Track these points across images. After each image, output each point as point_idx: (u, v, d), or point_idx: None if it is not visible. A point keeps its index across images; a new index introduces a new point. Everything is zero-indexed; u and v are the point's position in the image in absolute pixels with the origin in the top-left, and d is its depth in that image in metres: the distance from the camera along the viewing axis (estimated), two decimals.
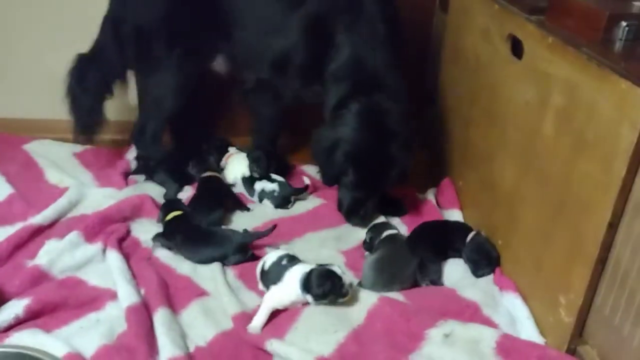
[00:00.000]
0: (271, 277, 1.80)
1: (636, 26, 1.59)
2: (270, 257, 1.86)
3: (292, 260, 1.84)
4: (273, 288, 1.78)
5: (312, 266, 1.79)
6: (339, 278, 1.74)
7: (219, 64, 2.47)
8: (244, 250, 1.99)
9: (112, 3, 2.33)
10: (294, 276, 1.76)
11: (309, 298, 1.75)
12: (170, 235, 2.02)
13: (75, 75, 2.37)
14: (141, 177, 2.45)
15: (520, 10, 1.93)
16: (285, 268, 1.80)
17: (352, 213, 2.24)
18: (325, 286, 1.72)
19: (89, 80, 2.37)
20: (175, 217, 2.06)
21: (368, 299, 1.78)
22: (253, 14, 2.30)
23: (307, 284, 1.74)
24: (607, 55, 1.52)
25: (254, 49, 2.34)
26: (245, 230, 2.09)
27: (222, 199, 2.28)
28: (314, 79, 2.25)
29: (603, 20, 1.60)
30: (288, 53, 2.26)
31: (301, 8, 2.22)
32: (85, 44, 2.56)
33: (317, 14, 2.21)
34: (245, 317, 1.73)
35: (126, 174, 2.45)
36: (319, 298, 1.74)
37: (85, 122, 2.41)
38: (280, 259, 1.84)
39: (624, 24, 1.58)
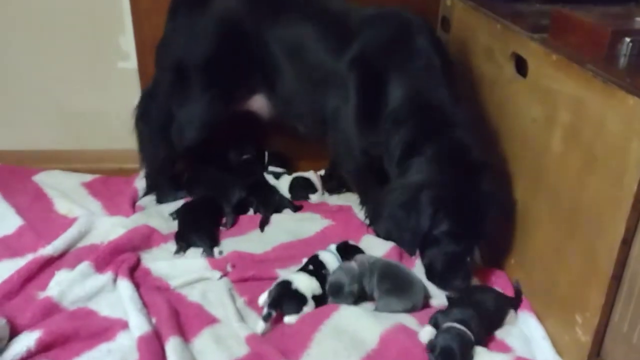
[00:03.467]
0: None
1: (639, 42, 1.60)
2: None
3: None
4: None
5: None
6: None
7: (259, 105, 2.42)
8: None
9: (164, 34, 2.36)
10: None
11: None
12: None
13: (140, 111, 2.45)
14: (149, 204, 2.45)
15: (522, 28, 1.95)
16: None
17: (453, 274, 1.87)
18: None
19: (152, 114, 2.41)
20: None
21: (381, 324, 1.76)
22: (296, 63, 2.21)
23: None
24: (612, 71, 1.53)
25: (298, 100, 2.25)
26: None
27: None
28: (369, 128, 2.06)
29: (606, 37, 1.61)
30: (339, 105, 2.12)
31: (348, 52, 2.09)
32: (92, 77, 2.62)
33: (365, 55, 2.07)
34: (259, 339, 1.72)
35: (134, 202, 2.45)
36: None
37: (150, 156, 2.46)
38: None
39: (627, 39, 1.59)
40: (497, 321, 1.81)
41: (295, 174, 2.60)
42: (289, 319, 1.80)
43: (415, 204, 1.84)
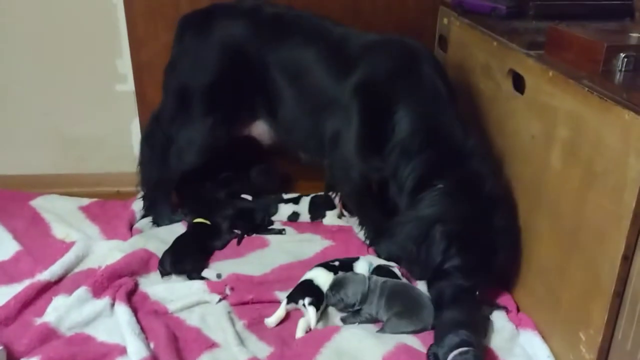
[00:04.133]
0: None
1: (635, 57, 1.60)
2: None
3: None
4: None
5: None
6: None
7: (260, 131, 2.43)
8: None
9: (171, 57, 2.38)
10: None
11: None
12: None
13: (146, 133, 2.49)
14: (146, 227, 2.44)
15: (519, 45, 1.96)
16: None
17: (460, 306, 1.83)
18: None
19: (156, 136, 2.43)
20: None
21: (383, 345, 1.74)
22: (298, 88, 2.21)
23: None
24: (608, 86, 1.53)
25: (300, 126, 2.25)
26: None
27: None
28: (371, 154, 2.05)
29: (602, 52, 1.61)
30: (340, 129, 2.10)
31: (351, 78, 2.08)
32: (90, 100, 2.63)
33: (369, 81, 2.06)
34: None
35: (132, 225, 2.44)
36: None
37: (147, 177, 2.47)
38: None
39: (622, 55, 1.59)
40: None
41: (312, 194, 2.57)
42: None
43: (427, 238, 1.84)
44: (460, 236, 1.82)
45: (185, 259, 2.14)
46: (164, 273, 2.11)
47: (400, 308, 1.87)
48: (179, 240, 2.23)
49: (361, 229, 2.33)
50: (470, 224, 1.83)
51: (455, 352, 1.62)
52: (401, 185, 1.98)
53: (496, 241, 1.84)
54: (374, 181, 2.21)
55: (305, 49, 2.21)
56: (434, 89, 2.01)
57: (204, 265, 2.19)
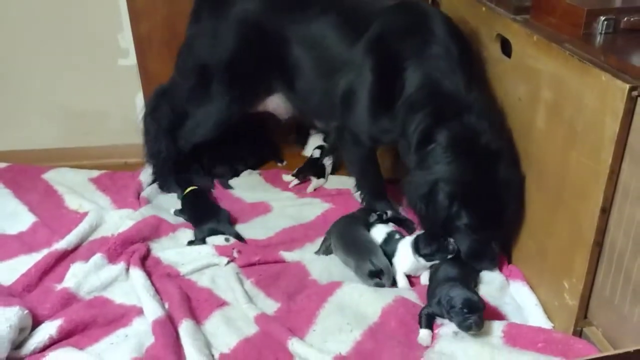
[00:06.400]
0: (388, 250, 2.04)
1: (614, 20, 1.66)
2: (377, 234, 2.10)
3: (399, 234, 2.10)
4: (394, 259, 2.02)
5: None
6: (445, 238, 1.93)
7: (275, 105, 2.50)
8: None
9: (186, 38, 2.44)
10: (405, 244, 2.00)
11: (421, 260, 1.95)
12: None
13: (150, 107, 2.54)
14: (153, 195, 2.54)
15: (506, 10, 2.02)
16: (397, 242, 2.04)
17: (479, 258, 1.95)
18: (432, 246, 1.92)
19: (162, 112, 2.50)
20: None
21: (383, 298, 1.85)
22: (315, 56, 2.25)
23: (417, 246, 1.95)
24: (587, 49, 1.61)
25: (316, 94, 2.28)
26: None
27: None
28: (382, 114, 2.08)
29: (582, 16, 1.68)
30: (352, 87, 2.12)
31: (364, 38, 2.11)
32: (94, 75, 2.67)
33: (382, 39, 2.08)
34: (267, 318, 1.81)
35: (139, 194, 2.53)
36: (428, 257, 1.94)
37: (152, 149, 2.55)
38: (390, 235, 2.08)
39: (602, 18, 1.66)
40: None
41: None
42: None
43: (432, 199, 1.91)
44: (464, 196, 1.88)
45: (211, 221, 2.25)
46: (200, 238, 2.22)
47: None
48: (195, 210, 2.34)
49: (356, 192, 2.43)
50: (471, 180, 1.88)
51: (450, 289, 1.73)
52: (409, 141, 2.00)
53: (501, 196, 1.89)
54: (383, 144, 2.28)
55: (321, 18, 2.24)
56: (444, 47, 2.02)
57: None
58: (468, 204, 1.89)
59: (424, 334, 1.72)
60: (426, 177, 1.93)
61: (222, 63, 2.35)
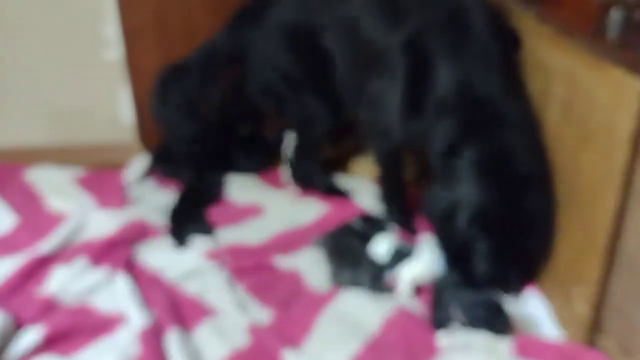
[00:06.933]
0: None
1: (628, 13, 1.59)
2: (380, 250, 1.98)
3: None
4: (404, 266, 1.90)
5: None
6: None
7: None
8: None
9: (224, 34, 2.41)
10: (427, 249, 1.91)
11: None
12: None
13: (160, 86, 2.48)
14: (140, 195, 2.45)
15: (517, 1, 1.95)
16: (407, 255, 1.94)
17: (495, 285, 1.81)
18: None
19: (172, 94, 2.46)
20: None
21: (384, 308, 1.79)
22: (349, 49, 2.15)
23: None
24: (599, 44, 1.54)
25: (351, 90, 2.18)
26: None
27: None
28: (412, 117, 1.94)
29: (594, 9, 1.61)
30: (381, 86, 2.01)
31: (399, 32, 1.94)
32: (82, 72, 2.59)
33: (418, 37, 1.91)
34: (259, 328, 1.74)
35: (125, 194, 2.44)
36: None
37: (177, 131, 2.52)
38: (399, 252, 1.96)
39: (615, 11, 1.58)
40: None
41: None
42: None
43: (450, 218, 1.78)
44: (484, 222, 1.74)
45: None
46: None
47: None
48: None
49: (381, 202, 2.26)
50: (495, 206, 1.73)
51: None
52: (435, 149, 1.87)
53: (526, 226, 1.75)
54: (412, 147, 2.13)
55: (357, 7, 2.11)
56: (483, 45, 1.85)
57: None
58: (488, 232, 1.75)
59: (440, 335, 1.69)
60: (447, 194, 1.80)
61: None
